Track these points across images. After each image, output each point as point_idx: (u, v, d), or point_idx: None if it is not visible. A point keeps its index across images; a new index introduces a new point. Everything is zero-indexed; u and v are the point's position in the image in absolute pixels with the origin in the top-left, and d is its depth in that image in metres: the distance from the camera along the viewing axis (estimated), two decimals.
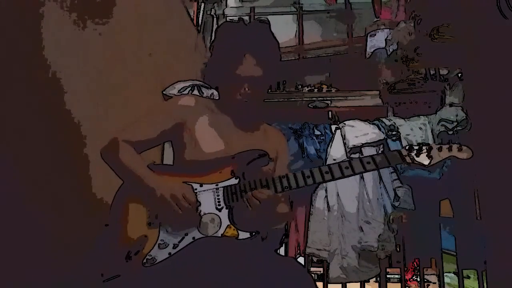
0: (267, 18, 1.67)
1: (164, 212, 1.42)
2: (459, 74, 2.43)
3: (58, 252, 1.72)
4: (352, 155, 2.28)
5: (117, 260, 1.40)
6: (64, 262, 1.72)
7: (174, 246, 1.40)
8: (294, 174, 1.46)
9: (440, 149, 1.48)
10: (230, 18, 3.79)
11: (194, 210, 1.41)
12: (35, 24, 1.81)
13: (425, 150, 1.48)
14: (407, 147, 1.49)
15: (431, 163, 1.48)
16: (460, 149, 1.48)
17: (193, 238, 1.41)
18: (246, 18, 3.56)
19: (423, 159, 1.47)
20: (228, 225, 1.42)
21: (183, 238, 1.41)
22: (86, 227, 1.70)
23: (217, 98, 1.69)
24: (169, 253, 1.39)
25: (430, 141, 2.30)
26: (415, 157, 1.48)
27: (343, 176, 1.46)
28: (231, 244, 1.40)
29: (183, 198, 1.40)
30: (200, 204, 1.43)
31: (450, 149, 1.47)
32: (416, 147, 1.49)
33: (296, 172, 1.47)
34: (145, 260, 1.38)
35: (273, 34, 1.59)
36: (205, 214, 1.43)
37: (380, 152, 2.27)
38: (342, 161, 1.50)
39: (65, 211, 1.80)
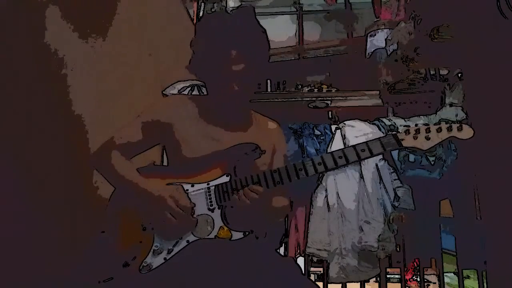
0: (250, 5, 1.56)
1: (158, 222, 1.39)
2: (459, 74, 2.43)
3: (60, 250, 1.72)
4: None
5: (114, 267, 1.39)
6: (65, 260, 1.72)
7: (169, 251, 1.38)
8: (286, 168, 1.41)
9: (439, 130, 1.38)
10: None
11: (189, 215, 1.38)
12: (39, 26, 1.82)
13: (423, 132, 1.38)
14: (403, 130, 1.40)
15: (430, 146, 1.38)
16: (460, 129, 1.37)
17: (188, 241, 1.39)
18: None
19: (421, 142, 1.37)
20: (221, 227, 1.40)
21: (177, 242, 1.39)
22: (87, 225, 1.70)
23: None
24: (165, 258, 1.37)
25: None
26: (413, 139, 1.38)
27: (337, 166, 1.39)
28: (225, 246, 1.38)
29: (176, 207, 1.37)
30: (195, 206, 1.40)
31: (449, 128, 1.37)
32: (414, 129, 1.39)
33: (288, 165, 1.42)
34: (141, 267, 1.37)
35: (258, 22, 1.50)
36: (198, 215, 1.40)
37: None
38: (335, 151, 1.41)
39: (67, 208, 1.80)
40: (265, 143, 1.48)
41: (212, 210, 1.41)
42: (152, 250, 1.38)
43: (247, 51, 1.44)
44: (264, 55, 1.53)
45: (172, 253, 1.38)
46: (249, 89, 1.51)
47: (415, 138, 1.38)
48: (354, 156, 1.39)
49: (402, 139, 1.39)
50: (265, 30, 1.51)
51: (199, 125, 1.50)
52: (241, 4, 3.18)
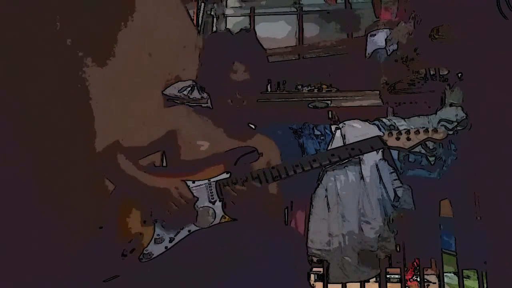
0: (252, 29, 1.76)
1: (160, 211, 1.46)
2: (459, 74, 2.43)
3: (60, 249, 1.73)
4: None
5: (113, 258, 1.43)
6: (65, 260, 1.72)
7: (171, 240, 1.44)
8: (283, 164, 1.55)
9: (417, 132, 1.60)
10: (229, 16, 3.79)
11: (191, 206, 1.46)
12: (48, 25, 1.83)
13: (404, 134, 1.60)
14: (387, 133, 1.62)
15: (411, 146, 1.60)
16: (435, 131, 1.61)
17: (189, 231, 1.46)
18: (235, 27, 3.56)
19: (403, 142, 1.60)
20: (222, 216, 1.48)
21: (178, 232, 1.45)
22: (90, 223, 1.71)
23: None
24: (166, 247, 1.44)
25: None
26: (395, 140, 1.59)
27: (330, 164, 1.57)
28: (225, 235, 1.45)
29: (179, 196, 1.45)
30: (198, 200, 1.48)
31: (426, 131, 1.61)
32: (396, 132, 1.61)
33: (286, 162, 1.56)
34: (141, 256, 1.42)
35: (259, 41, 1.69)
36: (200, 208, 1.48)
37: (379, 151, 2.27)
38: (328, 150, 1.63)
39: (67, 206, 1.81)
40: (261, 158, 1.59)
41: (214, 203, 1.49)
42: (153, 239, 1.44)
43: (247, 63, 1.59)
44: (263, 69, 1.68)
45: (174, 242, 1.44)
46: (250, 98, 1.63)
47: (397, 139, 1.60)
48: (345, 154, 1.58)
49: (386, 140, 1.60)
50: (264, 49, 1.70)
51: (202, 132, 1.62)
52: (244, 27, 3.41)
